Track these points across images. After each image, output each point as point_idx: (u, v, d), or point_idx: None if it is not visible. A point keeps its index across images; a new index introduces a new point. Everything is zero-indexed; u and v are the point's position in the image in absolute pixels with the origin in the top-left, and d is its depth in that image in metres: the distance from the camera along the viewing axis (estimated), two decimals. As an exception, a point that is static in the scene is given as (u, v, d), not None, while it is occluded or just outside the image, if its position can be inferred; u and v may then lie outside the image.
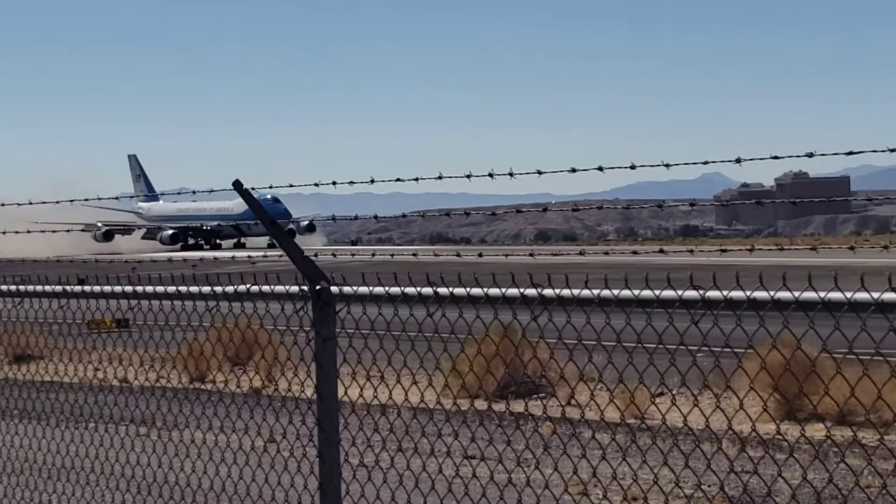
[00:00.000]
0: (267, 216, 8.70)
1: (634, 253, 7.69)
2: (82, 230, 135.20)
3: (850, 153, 6.57)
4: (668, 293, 7.08)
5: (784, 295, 6.52)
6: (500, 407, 13.12)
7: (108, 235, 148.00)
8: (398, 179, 9.25)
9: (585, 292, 7.46)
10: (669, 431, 8.08)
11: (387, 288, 8.60)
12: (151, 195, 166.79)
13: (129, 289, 10.44)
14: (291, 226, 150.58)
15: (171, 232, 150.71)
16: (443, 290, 8.23)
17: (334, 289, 8.74)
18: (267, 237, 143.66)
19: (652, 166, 7.76)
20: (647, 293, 7.16)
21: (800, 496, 7.45)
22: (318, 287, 8.77)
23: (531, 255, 8.45)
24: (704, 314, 6.93)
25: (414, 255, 9.17)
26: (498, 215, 8.92)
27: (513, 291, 7.85)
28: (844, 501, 6.52)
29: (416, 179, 9.12)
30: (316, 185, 9.77)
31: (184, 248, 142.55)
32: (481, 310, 8.14)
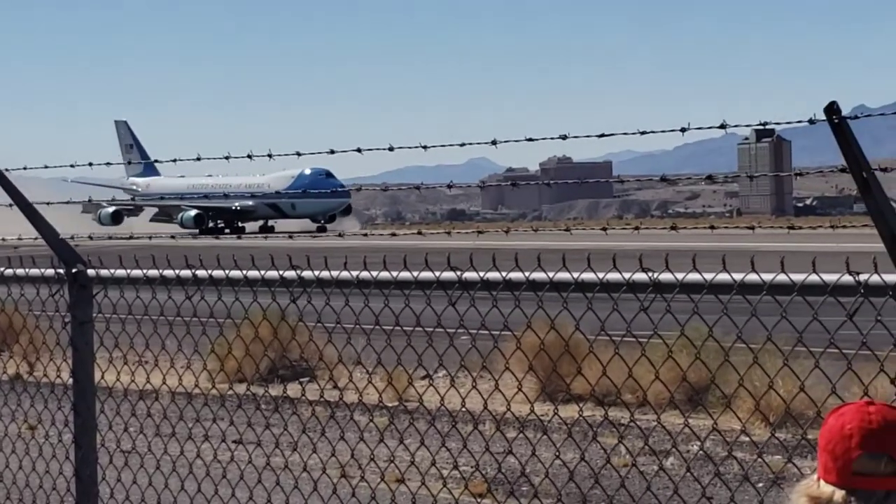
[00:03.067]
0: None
1: (393, 235, 7.67)
2: (83, 211, 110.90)
3: (602, 135, 6.66)
4: (427, 275, 7.09)
5: (539, 276, 6.59)
6: (262, 391, 13.02)
7: (116, 216, 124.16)
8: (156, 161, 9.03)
9: (344, 274, 7.43)
10: (428, 413, 8.08)
11: (145, 271, 8.44)
12: (147, 168, 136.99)
13: None
14: (348, 201, 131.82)
15: (194, 213, 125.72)
16: (202, 273, 8.11)
17: (91, 272, 8.53)
18: (302, 219, 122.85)
19: (410, 148, 7.76)
20: (405, 274, 7.16)
21: (554, 475, 7.53)
22: (74, 270, 8.55)
23: (290, 236, 8.37)
24: (462, 295, 6.97)
25: (172, 237, 9.00)
26: (257, 198, 8.83)
27: (272, 274, 7.77)
28: (596, 479, 6.60)
29: (174, 160, 8.99)
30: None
31: (203, 232, 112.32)
32: (241, 293, 8.05)
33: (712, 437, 7.14)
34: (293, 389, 18.28)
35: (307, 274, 7.52)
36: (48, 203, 9.22)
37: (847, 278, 5.47)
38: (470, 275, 6.90)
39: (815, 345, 5.83)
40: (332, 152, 7.92)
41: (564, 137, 6.81)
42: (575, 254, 6.79)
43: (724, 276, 5.90)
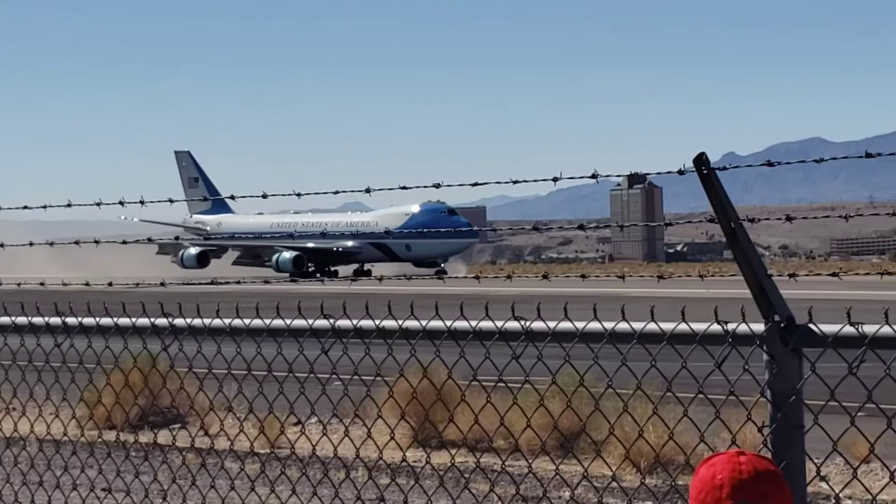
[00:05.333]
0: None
1: (266, 282, 7.63)
2: (158, 252, 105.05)
3: (476, 184, 6.70)
4: (300, 322, 7.06)
5: (412, 324, 6.59)
6: (132, 438, 12.84)
7: (202, 259, 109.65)
8: (25, 207, 8.89)
9: (217, 322, 7.38)
10: (299, 460, 8.03)
11: (13, 318, 8.32)
12: (217, 205, 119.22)
13: None
14: (475, 241, 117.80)
15: (292, 254, 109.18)
16: (71, 320, 8.00)
17: (-45, 318, 8.38)
18: (420, 261, 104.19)
19: (284, 195, 7.76)
20: (278, 322, 7.13)
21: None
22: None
23: (162, 284, 8.30)
24: (335, 342, 6.96)
25: (42, 283, 8.87)
26: (129, 243, 8.75)
27: (143, 321, 7.70)
28: (468, 526, 6.61)
29: (45, 207, 8.82)
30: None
31: (298, 276, 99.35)
32: (111, 339, 7.95)
33: (584, 483, 7.17)
34: (164, 436, 18.05)
35: (179, 322, 7.46)
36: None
37: (715, 328, 5.54)
38: (343, 322, 6.88)
39: (685, 391, 5.90)
40: (206, 199, 7.85)
41: (438, 186, 6.84)
42: (449, 299, 6.82)
43: (595, 325, 5.95)
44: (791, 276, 6.03)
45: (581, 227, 7.09)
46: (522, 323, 6.18)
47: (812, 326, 5.26)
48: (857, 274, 6.31)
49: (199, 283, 9.00)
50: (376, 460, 7.24)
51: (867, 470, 14.07)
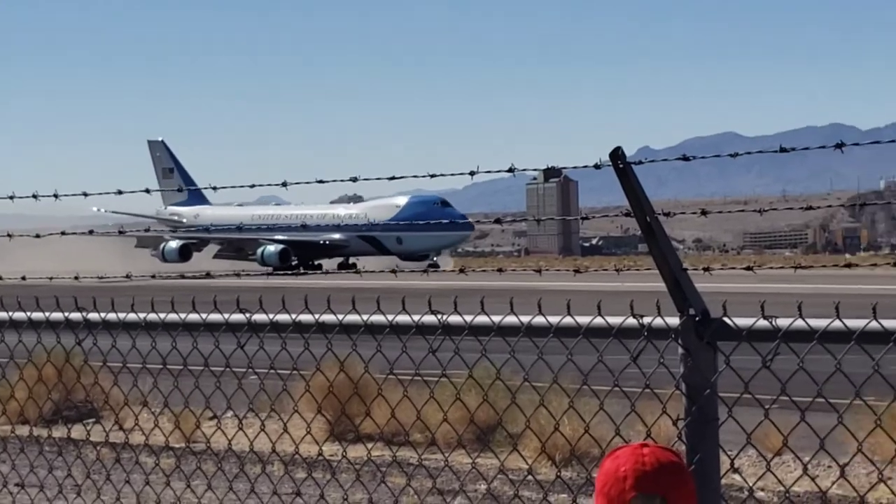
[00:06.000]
0: None
1: (182, 277, 7.57)
2: (137, 245, 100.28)
3: (393, 178, 6.69)
4: (215, 317, 7.02)
5: (329, 318, 6.57)
6: (45, 433, 12.70)
7: (184, 252, 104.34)
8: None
9: (131, 317, 7.31)
10: (215, 455, 7.98)
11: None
12: (193, 196, 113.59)
13: None
14: (470, 234, 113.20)
15: (278, 248, 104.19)
16: (-18, 314, 7.90)
17: None
18: (409, 255, 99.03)
19: (203, 189, 7.70)
20: (193, 317, 7.07)
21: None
22: None
23: (76, 277, 8.19)
24: (251, 337, 6.92)
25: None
26: (43, 237, 8.60)
27: (57, 315, 7.61)
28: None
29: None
30: None
31: (280, 270, 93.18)
32: (24, 334, 7.87)
33: (500, 476, 7.19)
34: (78, 431, 17.89)
35: (93, 316, 7.38)
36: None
37: (631, 321, 5.57)
38: (259, 317, 6.85)
39: (601, 385, 5.92)
40: (120, 193, 7.77)
41: (355, 180, 6.82)
42: (365, 293, 6.80)
43: (511, 319, 5.96)
44: (706, 269, 6.06)
45: (498, 221, 7.10)
46: (439, 317, 6.18)
47: (726, 320, 5.30)
48: (770, 268, 6.34)
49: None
50: (292, 454, 7.23)
51: (780, 462, 14.20)
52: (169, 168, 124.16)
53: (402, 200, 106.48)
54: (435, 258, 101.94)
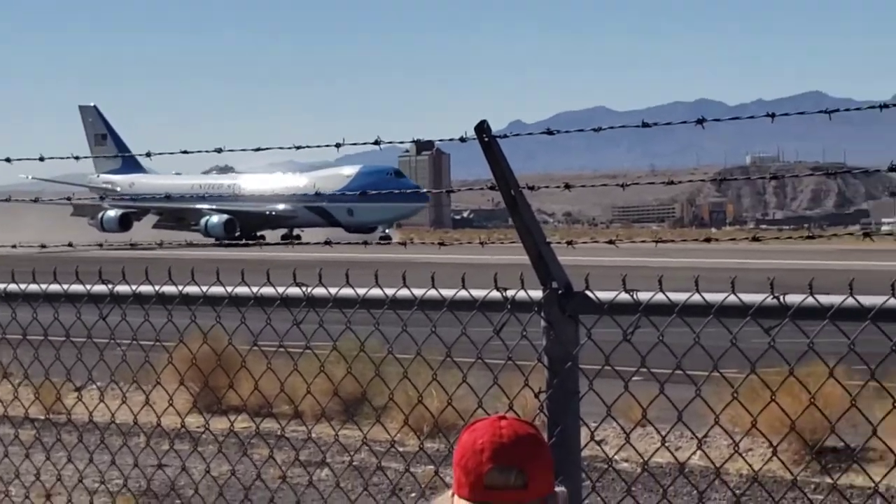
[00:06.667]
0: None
1: (43, 247, 7.45)
2: (73, 214, 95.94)
3: (259, 149, 6.63)
4: (77, 287, 6.93)
5: (192, 290, 6.51)
6: None
7: (124, 221, 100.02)
8: None
9: (-10, 285, 7.19)
10: (76, 426, 7.88)
11: None
12: (127, 164, 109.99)
13: None
14: (425, 205, 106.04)
15: (223, 218, 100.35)
16: None
17: None
18: (360, 227, 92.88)
19: (63, 158, 7.59)
20: (55, 287, 6.97)
21: (208, 488, 7.45)
22: None
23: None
24: (114, 307, 6.83)
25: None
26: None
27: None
28: (246, 493, 6.55)
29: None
30: None
31: (225, 242, 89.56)
32: None
33: (365, 448, 7.19)
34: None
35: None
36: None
37: (495, 294, 5.58)
38: (122, 288, 6.77)
39: (466, 357, 5.93)
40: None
41: (220, 150, 6.76)
42: (231, 265, 6.73)
43: (376, 291, 5.95)
44: (569, 243, 6.10)
45: (363, 193, 7.09)
46: (304, 289, 6.15)
47: (588, 293, 5.34)
48: (632, 241, 6.40)
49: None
50: (155, 426, 7.15)
51: (645, 434, 14.37)
52: (101, 134, 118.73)
53: (353, 170, 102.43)
54: (387, 230, 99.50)
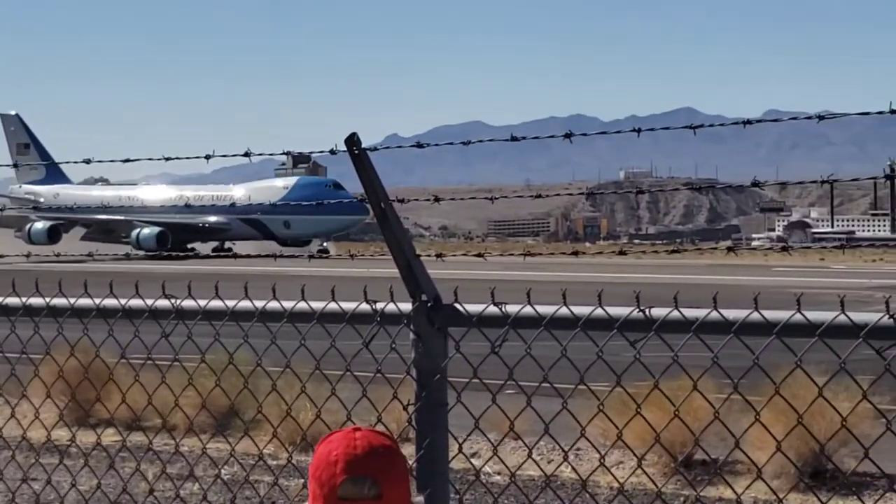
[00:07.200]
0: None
1: None
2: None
3: (127, 160, 6.57)
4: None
5: (60, 302, 6.42)
6: None
7: (53, 233, 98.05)
8: None
9: None
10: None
11: None
12: (51, 174, 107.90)
13: None
14: (366, 218, 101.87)
15: (155, 230, 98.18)
16: None
17: None
18: (296, 239, 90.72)
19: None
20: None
21: (76, 502, 7.34)
22: None
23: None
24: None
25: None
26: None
27: None
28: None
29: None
30: None
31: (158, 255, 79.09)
32: None
33: (234, 462, 7.12)
34: None
35: None
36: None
37: (364, 307, 5.57)
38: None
39: (336, 370, 5.90)
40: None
41: (88, 162, 6.68)
42: (99, 277, 6.65)
43: (245, 304, 5.91)
44: (438, 255, 6.11)
45: (233, 206, 7.05)
46: (173, 301, 6.09)
47: (457, 306, 5.34)
48: (501, 254, 6.43)
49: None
50: (19, 440, 7.03)
51: (518, 446, 14.42)
52: (24, 144, 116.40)
53: (289, 182, 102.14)
54: (325, 243, 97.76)
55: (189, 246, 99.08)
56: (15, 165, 8.12)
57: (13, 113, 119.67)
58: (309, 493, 3.44)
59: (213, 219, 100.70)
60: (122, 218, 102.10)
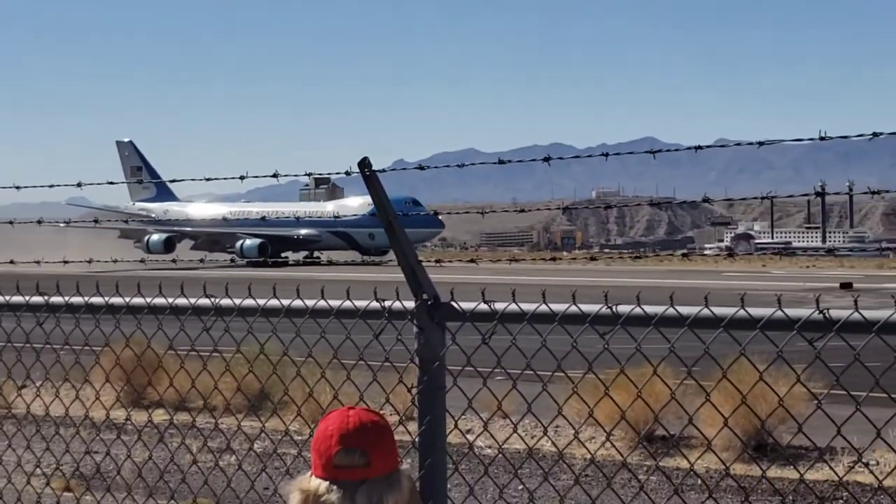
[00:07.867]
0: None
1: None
2: (120, 236, 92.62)
3: (174, 181, 6.57)
4: (17, 298, 6.79)
5: (117, 301, 6.41)
6: None
7: (169, 244, 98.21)
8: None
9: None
10: (14, 418, 7.73)
11: None
12: (161, 192, 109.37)
13: None
14: (441, 231, 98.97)
15: (257, 242, 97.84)
16: None
17: None
18: (379, 250, 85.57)
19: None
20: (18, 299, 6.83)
21: (126, 472, 7.32)
22: None
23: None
24: (48, 317, 6.72)
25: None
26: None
27: None
28: (161, 475, 6.46)
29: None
30: None
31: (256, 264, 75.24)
32: None
33: (269, 437, 7.12)
34: None
35: None
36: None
37: (374, 305, 5.57)
38: (56, 299, 6.66)
39: (351, 359, 5.90)
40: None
41: (140, 182, 6.68)
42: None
43: (273, 302, 5.91)
44: (437, 261, 6.11)
45: (264, 219, 7.03)
46: (213, 300, 6.09)
47: (454, 304, 5.34)
48: (491, 261, 6.43)
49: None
50: (83, 419, 7.04)
51: (505, 424, 14.41)
52: (137, 167, 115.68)
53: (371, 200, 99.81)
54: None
55: (283, 255, 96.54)
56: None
57: (127, 140, 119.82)
58: (312, 462, 3.52)
59: (305, 231, 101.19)
60: (227, 230, 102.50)
